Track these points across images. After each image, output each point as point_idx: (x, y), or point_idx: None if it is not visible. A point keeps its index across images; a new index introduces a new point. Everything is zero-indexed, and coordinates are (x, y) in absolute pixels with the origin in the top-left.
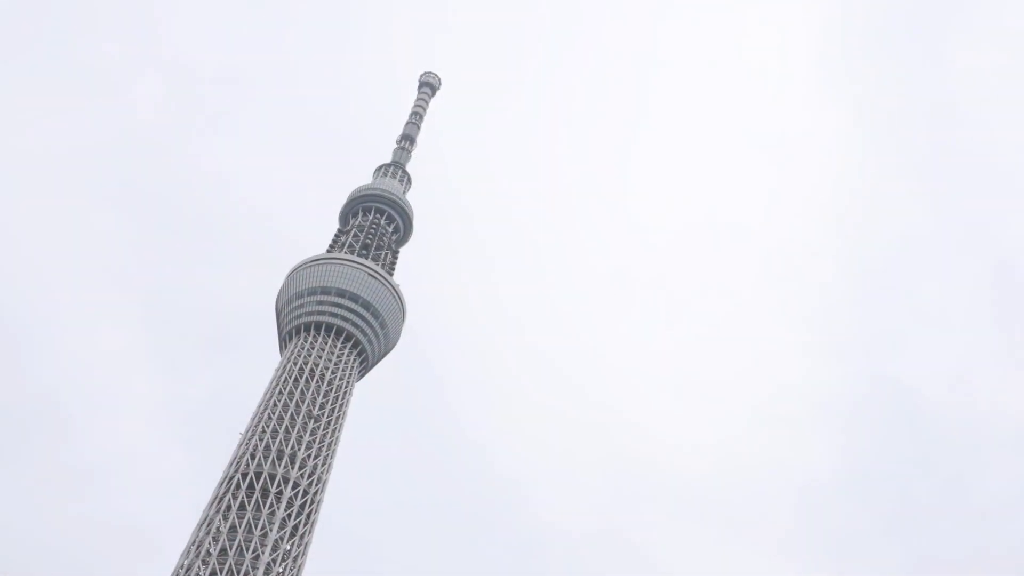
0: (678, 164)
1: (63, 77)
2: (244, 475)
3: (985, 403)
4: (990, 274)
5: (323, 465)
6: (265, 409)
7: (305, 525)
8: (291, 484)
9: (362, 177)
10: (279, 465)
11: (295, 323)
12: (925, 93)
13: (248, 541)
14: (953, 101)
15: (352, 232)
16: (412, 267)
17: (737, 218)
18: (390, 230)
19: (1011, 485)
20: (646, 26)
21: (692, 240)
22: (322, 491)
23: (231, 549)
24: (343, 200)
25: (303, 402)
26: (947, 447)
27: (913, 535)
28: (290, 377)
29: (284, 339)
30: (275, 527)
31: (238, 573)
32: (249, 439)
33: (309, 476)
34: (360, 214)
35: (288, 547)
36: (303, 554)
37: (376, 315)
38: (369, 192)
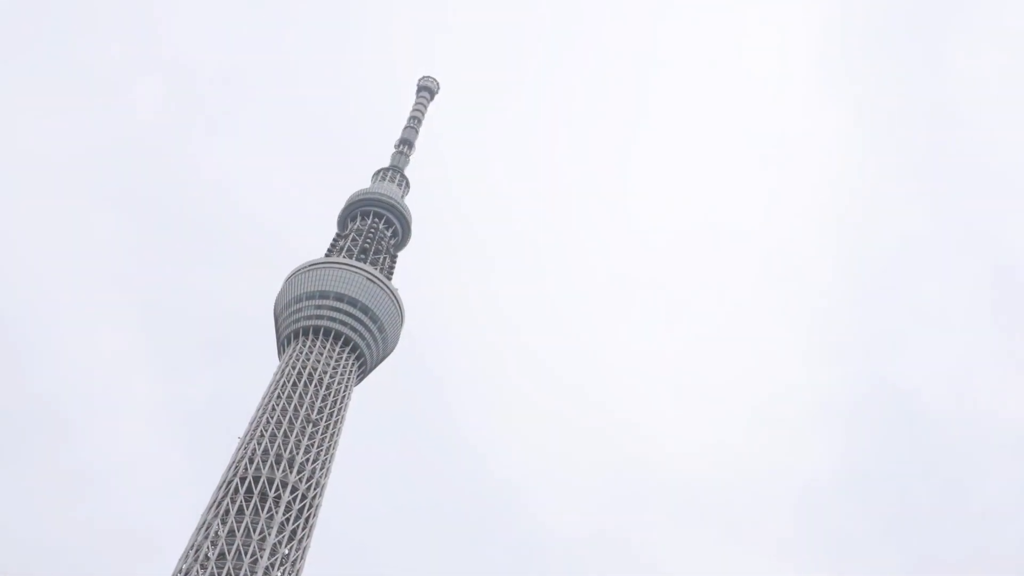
0: (678, 165)
1: (63, 78)
2: (242, 479)
3: (985, 405)
4: (990, 275)
5: (321, 469)
6: (263, 413)
7: (303, 529)
8: (289, 488)
9: (361, 181)
10: (277, 469)
11: (293, 327)
12: (925, 94)
13: (246, 545)
14: (953, 102)
15: (351, 236)
16: (410, 271)
17: (737, 219)
18: (388, 234)
19: (1011, 487)
20: (646, 27)
21: (692, 241)
22: (320, 495)
23: (229, 553)
24: (342, 204)
25: (301, 406)
26: (947, 449)
27: (913, 537)
28: (288, 381)
29: (282, 343)
30: (273, 531)
31: None
32: (247, 443)
33: (307, 480)
34: (358, 218)
35: (286, 551)
36: (301, 558)
37: (374, 319)
38: (367, 196)
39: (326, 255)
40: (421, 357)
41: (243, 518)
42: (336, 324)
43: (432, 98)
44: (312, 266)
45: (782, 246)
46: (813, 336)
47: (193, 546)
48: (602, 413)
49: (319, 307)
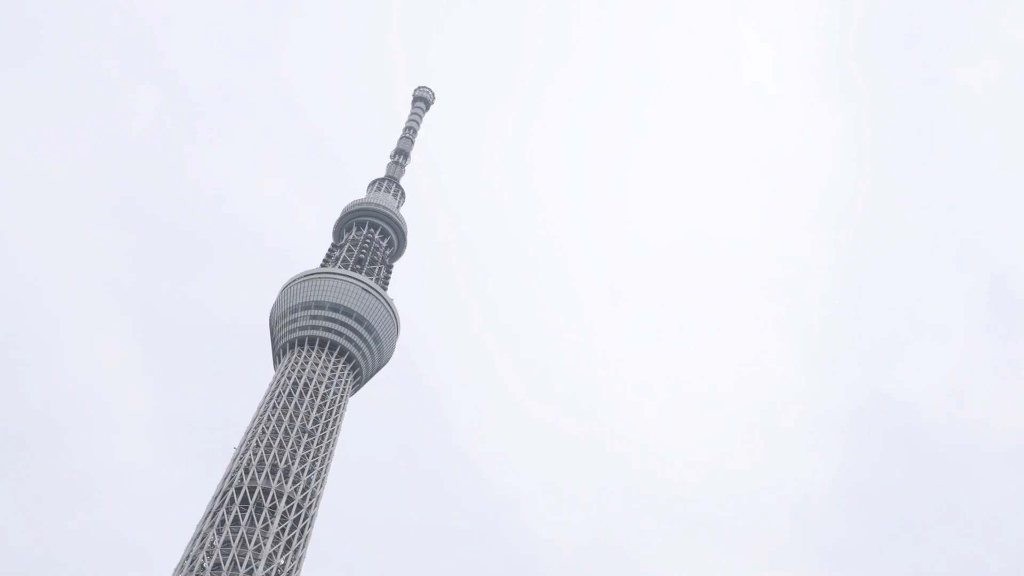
0: (674, 175)
1: (61, 89)
2: (238, 489)
3: (981, 416)
4: (986, 287)
5: (317, 479)
6: (259, 424)
7: (299, 539)
8: (285, 498)
9: (356, 191)
10: (273, 479)
11: (289, 338)
12: (921, 105)
13: (242, 555)
14: (949, 113)
15: (346, 247)
16: (406, 281)
17: (733, 230)
18: (384, 244)
19: (1007, 498)
20: (643, 38)
21: (689, 252)
22: (316, 505)
23: (225, 564)
24: (337, 214)
25: (297, 416)
26: (943, 460)
27: (909, 547)
28: (284, 391)
29: (278, 353)
30: (269, 541)
31: None
32: (243, 453)
33: (303, 490)
34: (354, 228)
35: (282, 561)
36: (297, 568)
37: (370, 329)
38: (363, 207)
39: (321, 265)
40: (416, 367)
41: (239, 528)
42: (331, 334)
43: (428, 108)
44: (308, 276)
45: (779, 257)
46: (809, 347)
47: (189, 556)
48: (598, 423)
49: (314, 317)
